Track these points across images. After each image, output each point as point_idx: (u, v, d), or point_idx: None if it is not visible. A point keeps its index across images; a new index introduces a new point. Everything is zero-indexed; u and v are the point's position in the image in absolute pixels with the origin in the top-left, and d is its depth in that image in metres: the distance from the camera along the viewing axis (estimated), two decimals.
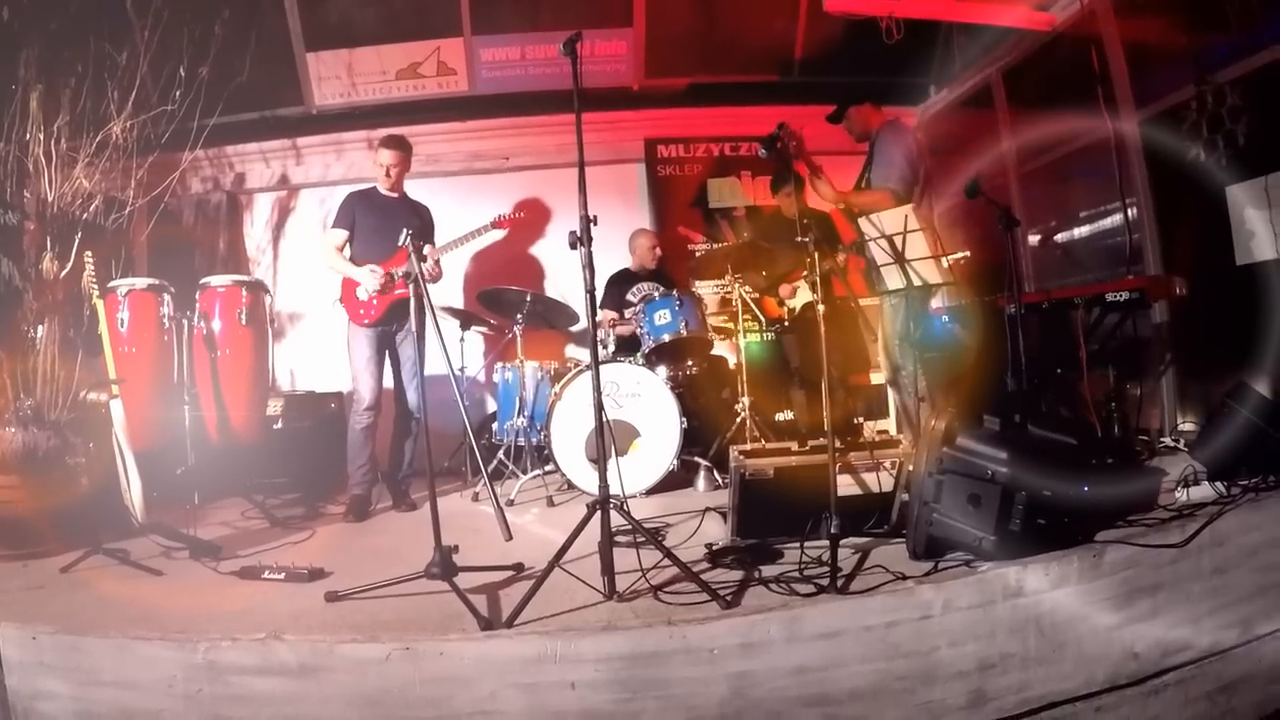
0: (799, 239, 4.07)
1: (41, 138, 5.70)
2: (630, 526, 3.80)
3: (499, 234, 6.34)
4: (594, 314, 3.83)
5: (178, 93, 6.26)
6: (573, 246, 3.72)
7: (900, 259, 5.01)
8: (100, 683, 3.40)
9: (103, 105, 5.97)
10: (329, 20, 8.29)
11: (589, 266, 3.72)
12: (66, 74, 5.86)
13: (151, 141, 6.26)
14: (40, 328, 5.60)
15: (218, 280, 6.65)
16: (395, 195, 6.29)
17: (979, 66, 8.18)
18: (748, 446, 4.20)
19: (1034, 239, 7.95)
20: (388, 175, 6.17)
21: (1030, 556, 3.56)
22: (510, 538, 3.71)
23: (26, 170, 5.74)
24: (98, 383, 5.57)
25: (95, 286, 5.26)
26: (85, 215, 5.94)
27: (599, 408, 3.68)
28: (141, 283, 6.33)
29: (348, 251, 6.21)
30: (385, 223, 6.03)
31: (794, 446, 4.15)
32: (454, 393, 4.02)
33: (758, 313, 6.85)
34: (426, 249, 5.97)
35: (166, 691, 3.29)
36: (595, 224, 3.71)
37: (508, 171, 8.59)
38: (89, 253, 5.35)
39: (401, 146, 6.25)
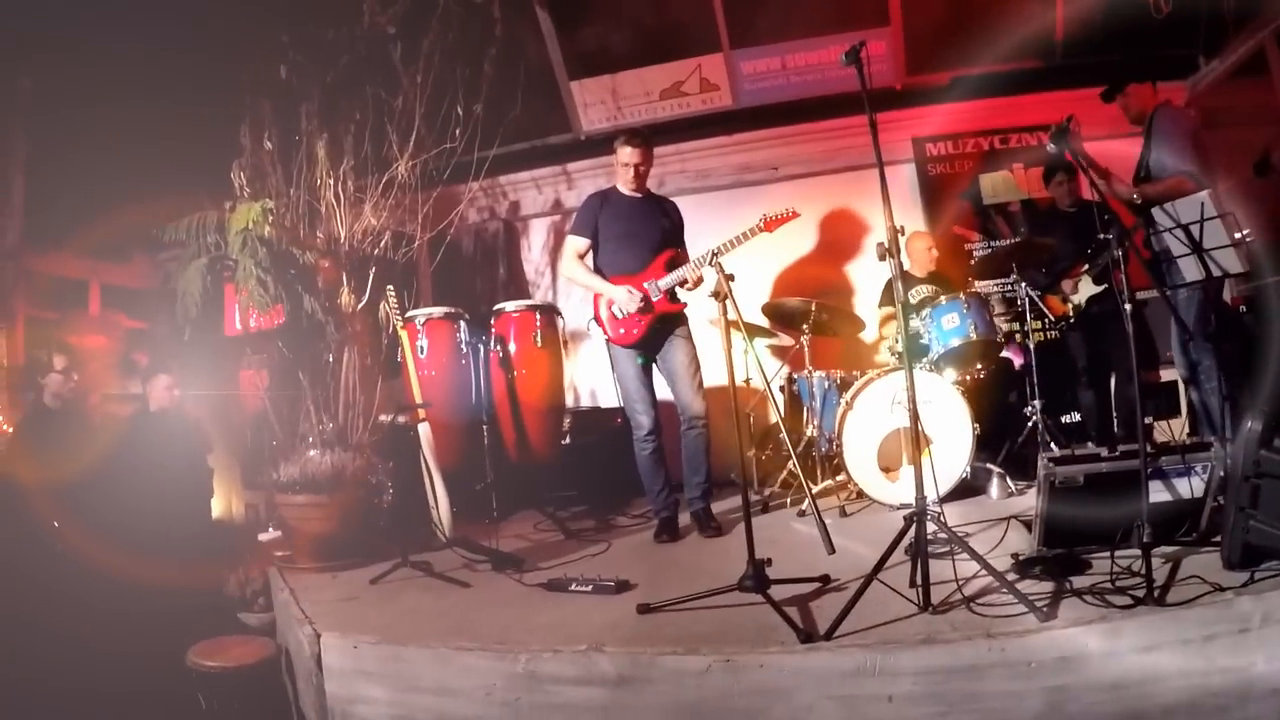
0: (1101, 235, 3.92)
1: (331, 182, 5.99)
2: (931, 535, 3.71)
3: (771, 241, 5.96)
4: (905, 324, 3.78)
5: (456, 130, 6.41)
6: (881, 258, 3.70)
7: (1199, 249, 4.75)
8: (419, 689, 3.59)
9: (384, 147, 6.21)
10: (588, 49, 8.52)
11: (899, 278, 3.68)
12: (346, 122, 6.13)
13: (434, 176, 6.45)
14: (341, 356, 5.90)
15: (512, 305, 6.92)
16: (640, 195, 5.86)
17: (1250, 31, 7.53)
18: (1056, 453, 4.06)
19: None
20: (636, 175, 5.75)
21: None
22: (833, 551, 3.70)
23: (318, 213, 6.07)
24: (397, 406, 5.88)
25: (399, 317, 5.56)
26: (376, 250, 6.20)
27: (914, 418, 3.64)
28: (438, 311, 6.65)
29: (590, 260, 5.85)
30: (633, 227, 5.74)
31: (1103, 452, 3.99)
32: (731, 401, 4.02)
33: (1044, 310, 6.60)
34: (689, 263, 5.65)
35: (484, 699, 3.45)
36: (903, 234, 3.66)
37: (778, 181, 8.52)
38: (390, 286, 5.65)
39: (648, 142, 5.82)
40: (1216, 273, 4.77)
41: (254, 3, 6.30)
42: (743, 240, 5.63)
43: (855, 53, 3.80)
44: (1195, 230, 4.69)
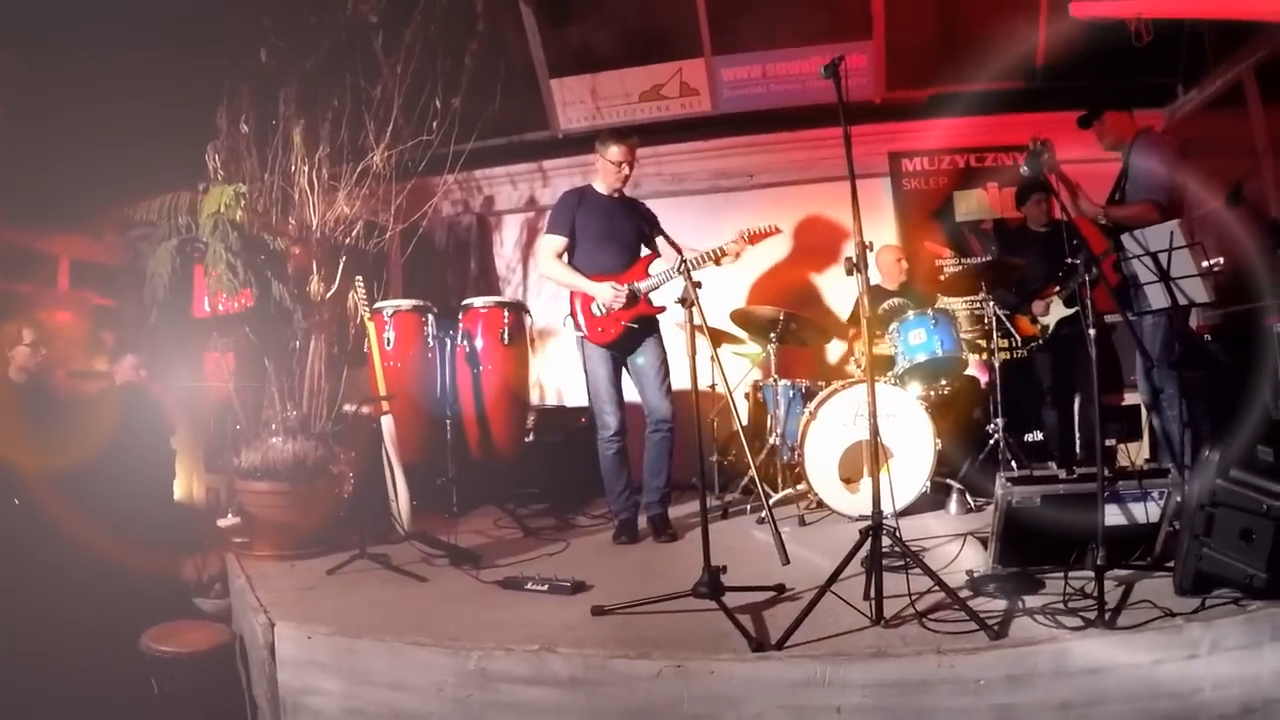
0: (1069, 260, 3.95)
1: (306, 168, 5.94)
2: (887, 549, 3.73)
3: (748, 250, 5.75)
4: (871, 339, 3.80)
5: (434, 122, 6.35)
6: (849, 273, 3.71)
7: (1165, 277, 4.79)
8: (371, 683, 3.58)
9: (361, 136, 6.15)
10: (570, 47, 8.52)
11: (866, 294, 3.69)
12: (324, 108, 6.08)
13: (409, 167, 6.40)
14: (308, 344, 5.84)
15: (480, 301, 6.92)
16: (615, 195, 5.75)
17: (1229, 63, 7.56)
18: (1015, 473, 4.09)
19: None
20: (619, 171, 5.64)
21: None
22: (787, 562, 3.70)
23: (291, 199, 6.00)
24: (360, 397, 5.86)
25: (366, 308, 5.54)
26: (347, 240, 6.14)
27: (874, 431, 3.65)
28: (406, 304, 6.65)
29: (566, 259, 5.73)
30: (610, 227, 5.67)
31: (1062, 474, 4.01)
32: (693, 405, 4.04)
33: (1011, 330, 6.67)
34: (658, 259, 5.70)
35: (436, 695, 3.44)
36: (871, 249, 3.68)
37: (752, 189, 8.56)
38: (359, 277, 5.64)
39: (633, 141, 5.71)
40: (1183, 301, 4.81)
41: None
42: (722, 255, 5.56)
43: (834, 67, 3.82)
44: (1163, 258, 4.73)
